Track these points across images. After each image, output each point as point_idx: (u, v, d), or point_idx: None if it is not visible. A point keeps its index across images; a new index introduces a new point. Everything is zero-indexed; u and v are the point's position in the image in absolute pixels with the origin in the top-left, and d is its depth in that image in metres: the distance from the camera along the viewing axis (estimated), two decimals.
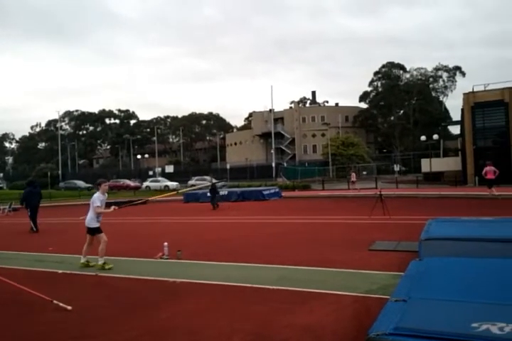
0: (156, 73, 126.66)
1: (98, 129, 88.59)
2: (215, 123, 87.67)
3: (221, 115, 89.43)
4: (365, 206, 14.05)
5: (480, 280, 3.16)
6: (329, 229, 10.48)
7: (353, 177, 27.08)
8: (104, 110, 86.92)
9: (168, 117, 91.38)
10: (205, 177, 42.49)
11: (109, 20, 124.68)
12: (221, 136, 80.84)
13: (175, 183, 41.35)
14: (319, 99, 75.80)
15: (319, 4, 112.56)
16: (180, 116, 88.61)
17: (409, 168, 49.20)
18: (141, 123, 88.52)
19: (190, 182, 41.37)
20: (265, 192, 23.15)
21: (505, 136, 26.51)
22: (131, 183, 44.31)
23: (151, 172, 54.90)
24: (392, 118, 61.87)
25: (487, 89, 27.63)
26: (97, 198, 6.66)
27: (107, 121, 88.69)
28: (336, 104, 67.88)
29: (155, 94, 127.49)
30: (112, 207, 6.85)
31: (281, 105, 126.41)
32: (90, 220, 6.72)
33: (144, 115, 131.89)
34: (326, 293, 4.82)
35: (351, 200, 19.78)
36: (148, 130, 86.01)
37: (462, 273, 3.37)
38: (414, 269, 3.55)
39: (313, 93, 75.86)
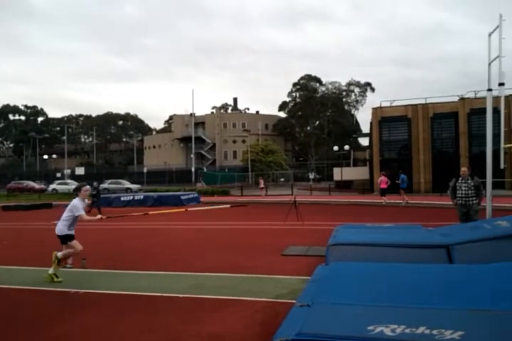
0: (71, 69, 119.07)
1: (0, 126, 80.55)
2: (133, 124, 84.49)
3: (140, 116, 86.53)
4: (280, 212, 14.42)
5: (381, 284, 3.35)
6: (245, 235, 10.55)
7: (261, 183, 27.71)
8: (8, 105, 79.28)
9: (81, 116, 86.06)
10: (120, 180, 40.64)
11: (20, 10, 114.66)
12: (139, 138, 78.05)
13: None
14: (240, 106, 77.01)
15: (243, 14, 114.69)
16: (94, 115, 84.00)
17: (323, 176, 51.71)
18: (49, 121, 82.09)
19: (103, 186, 39.28)
20: (183, 197, 22.74)
21: (407, 149, 29.06)
22: (36, 185, 40.84)
23: (59, 174, 51.12)
24: (308, 128, 64.72)
25: (393, 105, 30.11)
26: (79, 205, 6.02)
27: (11, 117, 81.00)
28: (257, 112, 69.35)
29: (69, 92, 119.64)
30: (99, 216, 6.50)
31: (203, 110, 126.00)
32: (63, 227, 6.07)
33: (56, 113, 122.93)
34: (237, 299, 4.81)
35: (268, 206, 20.19)
36: (58, 129, 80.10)
37: (365, 277, 3.55)
38: (320, 274, 3.67)
39: (235, 100, 76.77)
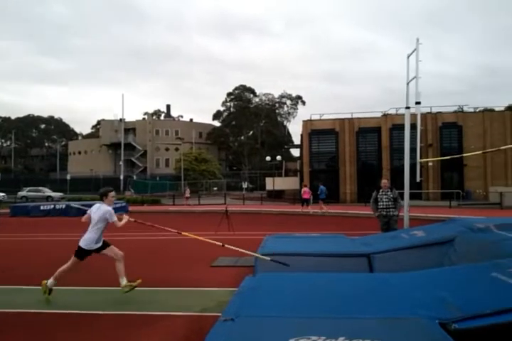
0: None
1: None
2: (57, 128, 79.58)
3: (65, 120, 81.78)
4: (212, 222, 14.28)
5: (305, 294, 3.39)
6: (173, 246, 10.28)
7: (187, 193, 27.45)
8: None
9: None
10: (40, 188, 37.94)
11: None
12: (63, 143, 73.63)
13: (1, 194, 35.79)
14: (174, 114, 75.82)
15: (180, 21, 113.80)
16: (14, 117, 77.89)
17: (256, 186, 52.33)
18: None
19: (21, 194, 36.41)
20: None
21: (335, 161, 30.39)
22: None
23: None
24: (242, 137, 65.35)
25: (322, 118, 31.43)
26: (111, 211, 5.21)
27: None
28: (191, 120, 68.72)
29: None
30: (126, 216, 5.49)
31: (134, 116, 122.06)
32: (91, 241, 5.24)
33: None
34: (160, 314, 4.62)
35: (199, 216, 19.93)
36: None
37: (289, 288, 3.58)
38: (247, 286, 3.65)
39: (168, 106, 75.51)
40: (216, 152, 63.99)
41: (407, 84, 8.84)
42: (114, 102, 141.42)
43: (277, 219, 18.28)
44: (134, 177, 49.40)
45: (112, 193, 5.45)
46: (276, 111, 65.29)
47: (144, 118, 66.83)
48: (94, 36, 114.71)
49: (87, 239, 5.26)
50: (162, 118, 74.87)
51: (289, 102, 64.73)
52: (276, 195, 34.72)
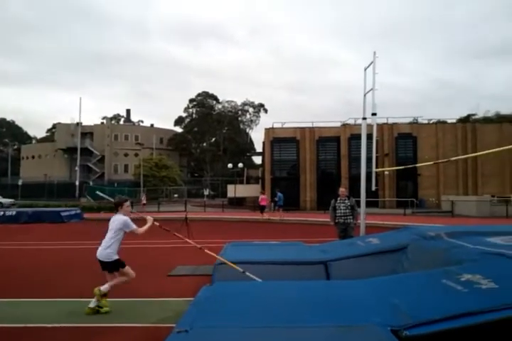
0: None
1: None
2: (8, 131, 75.90)
3: (17, 123, 78.21)
4: (171, 229, 14.01)
5: (261, 303, 3.37)
6: (130, 255, 9.97)
7: (144, 199, 26.98)
8: None
9: None
10: None
11: None
12: (15, 146, 70.24)
13: None
14: (134, 118, 74.28)
15: (142, 25, 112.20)
16: None
17: (218, 193, 52.03)
18: None
19: None
20: (64, 214, 20.85)
21: (296, 169, 30.82)
22: None
23: None
24: (204, 144, 64.97)
25: (284, 126, 31.85)
26: (127, 220, 5.10)
27: None
28: (152, 125, 67.56)
29: None
30: (150, 218, 5.44)
31: (92, 120, 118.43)
32: (111, 251, 5.04)
33: None
34: (114, 326, 4.46)
35: (159, 223, 19.52)
36: None
37: (246, 297, 3.56)
38: (203, 295, 3.59)
39: (128, 111, 73.93)
40: (177, 158, 63.18)
41: (364, 95, 9.13)
42: (72, 106, 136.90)
43: (238, 226, 18.23)
44: (91, 183, 47.82)
45: (127, 203, 5.36)
46: (239, 118, 65.48)
47: (102, 123, 65.04)
48: (50, 37, 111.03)
49: (109, 251, 5.09)
50: (122, 122, 73.17)
51: (251, 110, 65.14)
52: (238, 202, 34.69)
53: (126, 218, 5.19)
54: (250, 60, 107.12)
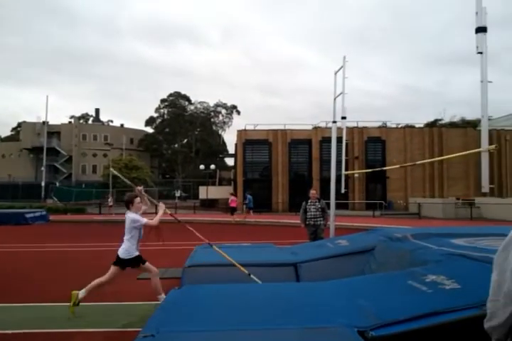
0: None
1: None
2: None
3: None
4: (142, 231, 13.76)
5: (230, 306, 3.34)
6: (98, 258, 9.73)
7: (110, 201, 26.41)
8: None
9: None
10: None
11: None
12: None
13: None
14: (104, 118, 72.63)
15: (113, 24, 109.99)
16: None
17: (190, 194, 51.54)
18: None
19: None
20: (28, 216, 20.15)
21: (268, 171, 30.94)
22: None
23: None
24: (176, 145, 64.24)
25: (256, 128, 31.93)
26: (134, 217, 5.07)
27: None
28: (122, 125, 66.21)
29: None
30: (161, 205, 5.40)
31: (59, 118, 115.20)
32: (130, 248, 5.04)
33: None
34: (79, 331, 4.32)
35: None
36: None
37: (215, 300, 3.52)
38: (171, 299, 3.52)
39: (97, 110, 72.19)
40: (148, 159, 62.20)
41: (334, 99, 9.26)
42: (38, 104, 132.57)
43: (210, 228, 18.08)
44: (57, 183, 46.43)
45: (138, 199, 5.26)
46: (212, 119, 65.15)
47: (70, 122, 63.31)
48: (15, 34, 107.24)
49: (125, 249, 5.12)
50: (90, 122, 71.44)
51: (224, 111, 64.93)
52: (210, 204, 34.49)
53: (133, 215, 5.13)
54: (223, 61, 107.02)
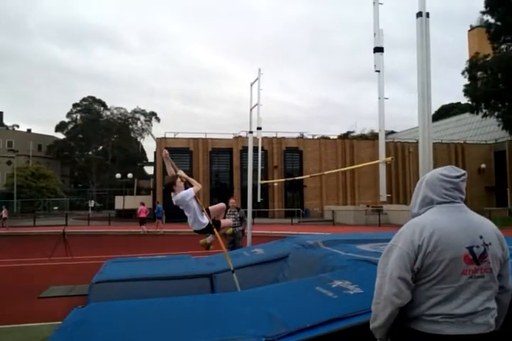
0: None
1: None
2: None
3: None
4: (47, 246, 12.73)
5: (139, 324, 3.17)
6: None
7: (5, 213, 24.25)
8: None
9: None
10: None
11: None
12: None
13: None
14: (8, 122, 66.51)
15: (21, 23, 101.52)
16: None
17: (105, 205, 49.00)
18: None
19: None
20: None
21: None
22: None
23: None
24: (90, 152, 60.81)
25: (177, 137, 31.43)
26: (182, 194, 4.91)
27: None
28: (28, 130, 61.15)
29: None
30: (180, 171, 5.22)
31: None
32: (199, 220, 5.09)
33: None
34: None
35: (34, 239, 17.57)
36: None
37: (122, 317, 3.32)
38: (72, 318, 3.26)
39: (1, 114, 65.99)
40: (59, 167, 58.10)
41: (251, 110, 9.44)
42: None
43: (125, 240, 17.32)
44: None
45: (178, 179, 5.15)
46: (130, 126, 62.71)
47: None
48: None
49: (199, 221, 5.18)
50: None
51: (142, 118, 62.88)
52: (127, 215, 32.97)
53: (181, 193, 4.99)
54: (143, 67, 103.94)
